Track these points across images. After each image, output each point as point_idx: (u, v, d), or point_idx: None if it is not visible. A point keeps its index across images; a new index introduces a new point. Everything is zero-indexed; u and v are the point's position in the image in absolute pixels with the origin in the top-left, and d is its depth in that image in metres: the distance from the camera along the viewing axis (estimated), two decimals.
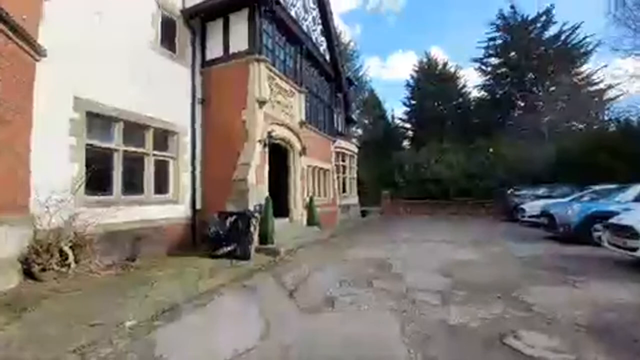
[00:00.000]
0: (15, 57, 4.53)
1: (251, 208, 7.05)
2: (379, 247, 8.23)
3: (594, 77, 26.32)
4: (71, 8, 5.62)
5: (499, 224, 13.29)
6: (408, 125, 35.92)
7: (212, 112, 8.39)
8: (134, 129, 6.95)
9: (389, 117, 36.03)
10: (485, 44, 31.05)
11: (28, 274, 4.56)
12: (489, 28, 31.07)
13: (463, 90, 33.10)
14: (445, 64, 33.67)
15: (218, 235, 6.70)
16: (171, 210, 7.60)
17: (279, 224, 8.47)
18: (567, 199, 10.17)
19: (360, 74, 34.48)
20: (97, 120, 6.20)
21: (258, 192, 7.45)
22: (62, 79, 5.39)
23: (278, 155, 9.34)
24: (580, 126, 25.50)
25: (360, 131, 34.35)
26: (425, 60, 34.46)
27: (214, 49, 8.58)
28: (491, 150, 21.54)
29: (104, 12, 6.23)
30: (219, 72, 8.41)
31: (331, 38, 12.81)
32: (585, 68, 26.77)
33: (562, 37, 27.34)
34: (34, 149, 4.89)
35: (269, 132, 8.10)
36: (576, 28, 26.69)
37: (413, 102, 34.63)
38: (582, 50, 26.70)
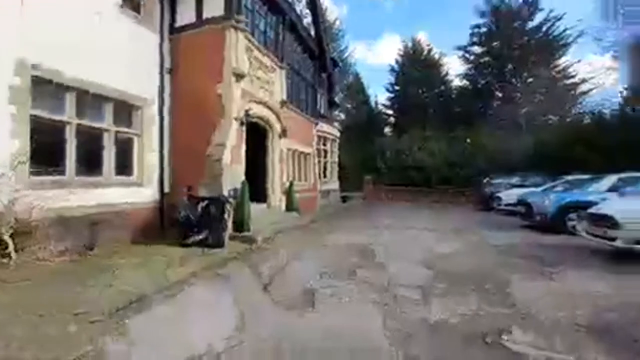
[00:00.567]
0: None
1: (225, 192, 6.47)
2: (360, 233, 7.95)
3: (571, 69, 26.98)
4: None
5: (477, 213, 13.45)
6: (390, 112, 35.76)
7: (182, 84, 7.58)
8: (91, 101, 6.10)
9: (373, 103, 35.64)
10: (470, 31, 30.92)
11: None
12: (474, 14, 30.77)
13: (446, 78, 33.07)
14: (430, 50, 33.35)
15: (189, 221, 6.11)
16: (136, 194, 6.87)
17: (256, 209, 7.95)
18: (540, 189, 10.28)
19: (345, 55, 33.52)
20: (45, 88, 5.32)
21: (233, 175, 6.86)
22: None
23: (256, 136, 8.71)
24: (555, 118, 26.29)
25: (342, 115, 33.80)
26: (410, 45, 33.94)
27: (185, 14, 7.67)
28: (469, 140, 21.77)
29: None
30: (190, 39, 7.56)
31: (316, 12, 12.03)
32: (564, 60, 27.30)
33: (544, 28, 27.58)
34: None
35: (247, 111, 7.44)
36: (559, 19, 26.97)
37: (396, 87, 34.33)
38: (561, 42, 27.09)
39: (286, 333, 2.79)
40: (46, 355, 2.35)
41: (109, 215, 6.13)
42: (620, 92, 18.28)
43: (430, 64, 32.77)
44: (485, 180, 15.46)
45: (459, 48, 31.57)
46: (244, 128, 7.47)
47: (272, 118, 8.95)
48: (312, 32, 12.25)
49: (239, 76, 7.20)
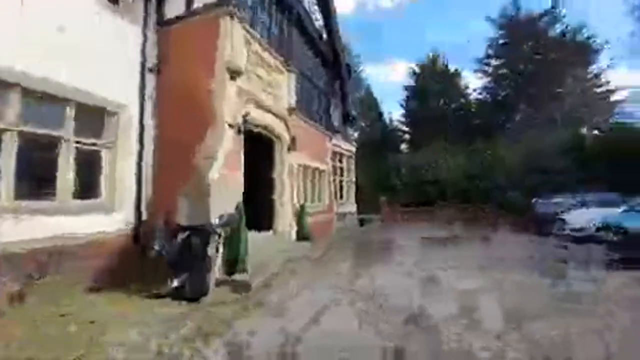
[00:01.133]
0: None
1: (214, 220, 4.84)
2: (392, 271, 6.11)
3: (602, 77, 25.11)
4: None
5: (524, 238, 11.14)
6: (406, 128, 34.41)
7: (170, 86, 6.20)
8: (44, 102, 4.74)
9: (387, 120, 34.34)
10: (487, 44, 29.84)
11: None
12: (490, 27, 29.80)
13: (464, 92, 31.72)
14: (446, 65, 32.19)
15: (164, 258, 4.51)
16: (103, 221, 5.33)
17: (258, 239, 6.32)
18: (623, 209, 8.07)
19: (358, 70, 32.66)
20: None
21: (225, 197, 5.24)
22: None
23: (259, 149, 7.20)
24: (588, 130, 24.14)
25: (355, 134, 32.47)
26: (427, 59, 32.96)
27: (174, 4, 6.43)
28: (489, 152, 20.03)
29: None
30: (180, 32, 6.26)
31: (329, 13, 10.78)
32: (593, 67, 25.47)
33: (568, 36, 26.07)
34: None
35: (244, 115, 5.94)
36: (582, 27, 25.50)
37: (411, 104, 33.16)
38: (589, 49, 25.44)
39: None
40: None
41: (66, 250, 4.60)
42: None
43: (448, 78, 31.57)
44: (535, 200, 13.13)
45: (477, 61, 30.62)
46: (241, 137, 5.95)
47: (278, 127, 7.44)
48: (325, 36, 10.95)
49: (235, 72, 5.76)
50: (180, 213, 5.05)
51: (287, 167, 7.72)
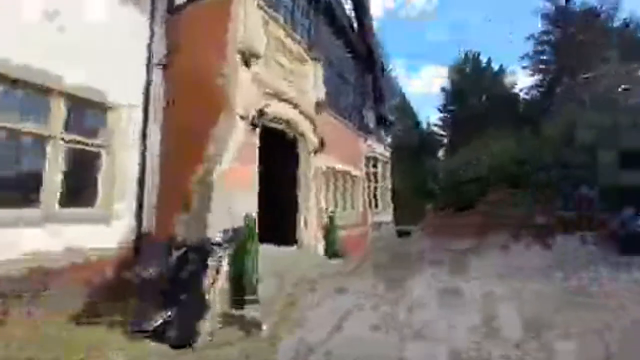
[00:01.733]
0: None
1: (219, 236, 3.81)
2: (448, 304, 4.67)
3: None
4: None
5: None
6: (444, 132, 32.44)
7: (180, 77, 5.41)
8: (27, 93, 4.08)
9: (424, 124, 32.59)
10: (536, 39, 27.46)
11: None
12: (539, 21, 27.56)
13: (509, 89, 29.42)
14: (489, 61, 30.07)
15: (154, 283, 3.55)
16: (96, 235, 4.53)
17: (278, 255, 5.24)
18: None
19: (393, 73, 31.36)
20: None
21: (232, 206, 4.20)
22: None
23: (280, 149, 6.18)
24: None
25: (389, 139, 30.98)
26: (466, 58, 30.98)
27: None
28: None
29: None
30: (190, 16, 5.49)
31: (361, 1, 9.69)
32: None
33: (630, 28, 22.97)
34: None
35: (261, 109, 4.94)
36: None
37: (450, 105, 31.28)
38: None
39: None
40: None
41: (50, 269, 3.83)
42: None
43: (490, 76, 29.39)
44: (621, 214, 10.42)
45: (524, 57, 28.25)
46: (256, 133, 4.94)
47: (303, 124, 6.38)
48: (355, 26, 9.85)
49: (250, 56, 4.80)
50: (178, 226, 4.09)
51: (313, 170, 6.61)
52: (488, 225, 14.30)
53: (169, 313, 3.15)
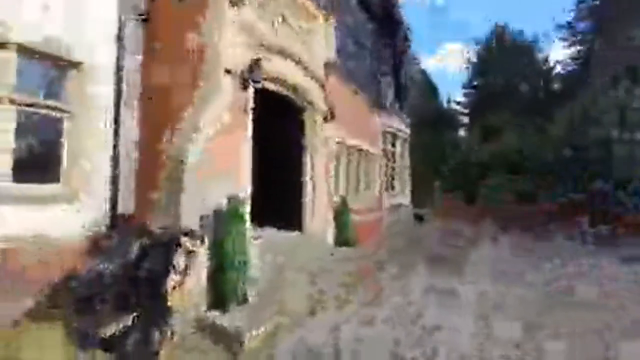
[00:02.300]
0: None
1: (196, 223, 2.95)
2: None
3: None
4: None
5: None
6: (466, 110, 30.64)
7: (160, 32, 4.46)
8: None
9: (444, 102, 30.80)
10: (573, 8, 25.04)
11: None
12: None
13: (542, 63, 27.18)
14: (521, 32, 27.80)
15: (114, 282, 2.77)
16: (59, 218, 3.79)
17: (278, 242, 4.40)
18: None
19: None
20: None
21: (212, 188, 3.29)
22: None
23: (282, 117, 5.22)
24: None
25: (405, 117, 29.59)
26: (495, 31, 28.67)
27: None
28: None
29: None
30: None
31: None
32: None
33: None
34: None
35: (255, 61, 3.93)
36: None
37: (475, 82, 29.29)
38: None
39: None
40: None
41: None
42: None
43: (519, 50, 27.11)
44: None
45: (560, 27, 25.81)
46: (249, 94, 3.97)
47: (310, 88, 5.34)
48: None
49: None
50: (152, 207, 3.26)
51: (320, 145, 5.62)
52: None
53: (120, 323, 2.36)
